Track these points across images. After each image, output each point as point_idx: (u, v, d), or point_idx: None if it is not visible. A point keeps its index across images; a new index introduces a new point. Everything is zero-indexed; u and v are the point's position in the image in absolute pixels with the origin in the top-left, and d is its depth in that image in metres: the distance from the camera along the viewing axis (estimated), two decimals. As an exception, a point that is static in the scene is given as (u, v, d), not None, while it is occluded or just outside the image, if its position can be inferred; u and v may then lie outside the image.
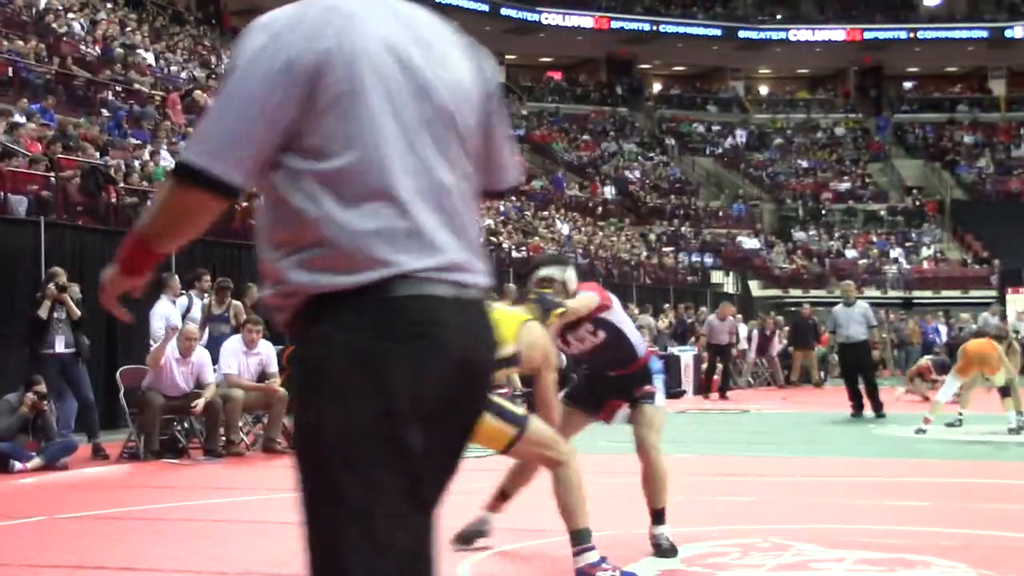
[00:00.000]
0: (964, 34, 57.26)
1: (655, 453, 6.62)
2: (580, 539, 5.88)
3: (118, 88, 24.50)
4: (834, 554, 6.40)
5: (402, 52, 2.38)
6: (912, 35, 57.20)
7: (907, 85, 61.75)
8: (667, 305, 30.27)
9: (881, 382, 25.13)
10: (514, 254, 28.45)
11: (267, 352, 12.92)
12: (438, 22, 2.51)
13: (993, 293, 41.36)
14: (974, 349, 14.87)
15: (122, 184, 17.89)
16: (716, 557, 6.40)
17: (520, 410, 5.91)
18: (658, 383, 6.85)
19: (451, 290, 2.36)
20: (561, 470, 5.90)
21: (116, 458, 11.87)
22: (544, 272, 6.41)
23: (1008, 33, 56.41)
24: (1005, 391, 14.55)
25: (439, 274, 2.34)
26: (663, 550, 6.49)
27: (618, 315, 6.75)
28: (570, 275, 6.45)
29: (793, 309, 35.71)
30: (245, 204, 20.13)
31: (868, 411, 17.54)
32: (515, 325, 5.90)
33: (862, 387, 17.67)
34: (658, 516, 6.58)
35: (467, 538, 6.72)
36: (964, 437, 14.18)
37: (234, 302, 14.81)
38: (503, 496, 6.87)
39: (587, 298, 6.49)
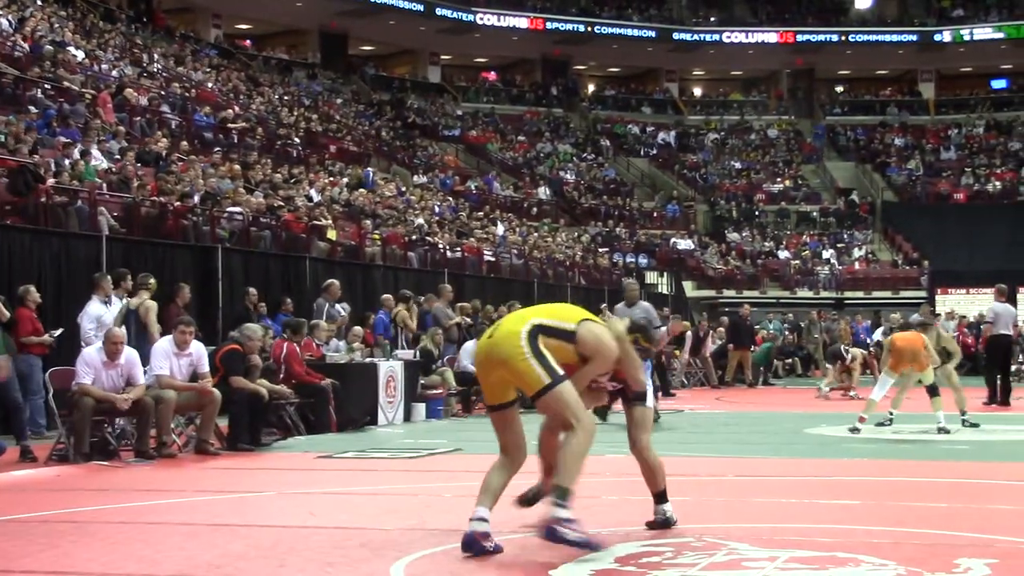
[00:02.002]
0: (894, 38, 57.95)
1: (647, 452, 7.29)
2: (559, 494, 6.40)
3: (47, 86, 24.18)
4: (766, 553, 6.44)
5: None
6: (844, 38, 57.78)
7: (839, 88, 62.41)
8: (603, 305, 30.32)
9: (815, 382, 25.46)
10: (448, 254, 28.41)
11: (198, 352, 12.80)
12: None
13: (923, 293, 41.90)
14: (904, 344, 14.78)
15: (51, 183, 17.66)
16: (649, 556, 6.42)
17: (561, 371, 6.56)
18: (647, 381, 7.46)
19: None
20: (572, 433, 6.56)
21: (45, 461, 11.71)
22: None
23: (937, 37, 57.15)
24: (933, 390, 14.67)
25: None
26: (659, 523, 7.22)
27: None
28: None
29: (727, 310, 36.00)
30: (178, 203, 19.97)
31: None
32: (578, 315, 6.86)
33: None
34: (660, 496, 7.28)
35: (530, 500, 7.37)
36: (893, 436, 14.34)
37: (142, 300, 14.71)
38: (549, 470, 7.27)
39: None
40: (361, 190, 30.47)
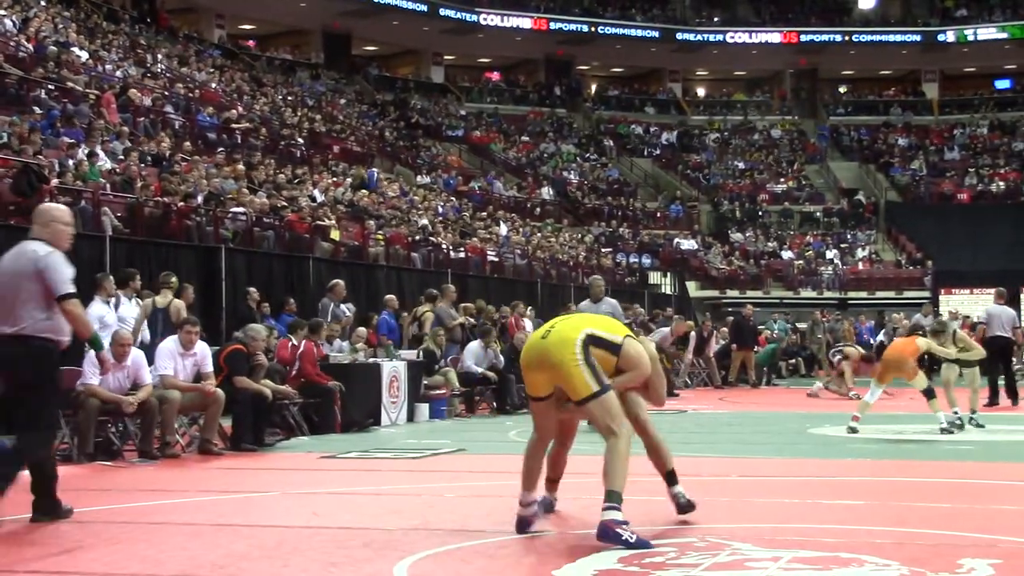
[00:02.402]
0: (898, 38, 57.96)
1: (650, 426, 7.70)
2: (611, 499, 6.72)
3: (51, 86, 24.21)
4: (769, 553, 6.43)
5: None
6: (847, 38, 57.81)
7: (842, 88, 62.38)
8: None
9: (818, 382, 25.44)
10: (452, 255, 28.43)
11: (203, 352, 12.80)
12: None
13: (926, 294, 41.88)
14: (888, 355, 14.75)
15: (55, 183, 17.67)
16: (652, 557, 6.41)
17: (608, 380, 7.03)
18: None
19: None
20: (614, 440, 6.91)
21: (49, 461, 11.69)
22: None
23: (940, 37, 57.14)
24: (930, 393, 14.49)
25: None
26: (682, 506, 7.61)
27: None
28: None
29: (731, 310, 36.00)
30: (182, 204, 19.99)
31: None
32: (622, 329, 7.43)
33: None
34: (671, 477, 7.68)
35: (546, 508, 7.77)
36: (896, 436, 14.32)
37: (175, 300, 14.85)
38: (552, 481, 7.86)
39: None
40: (364, 190, 30.50)
